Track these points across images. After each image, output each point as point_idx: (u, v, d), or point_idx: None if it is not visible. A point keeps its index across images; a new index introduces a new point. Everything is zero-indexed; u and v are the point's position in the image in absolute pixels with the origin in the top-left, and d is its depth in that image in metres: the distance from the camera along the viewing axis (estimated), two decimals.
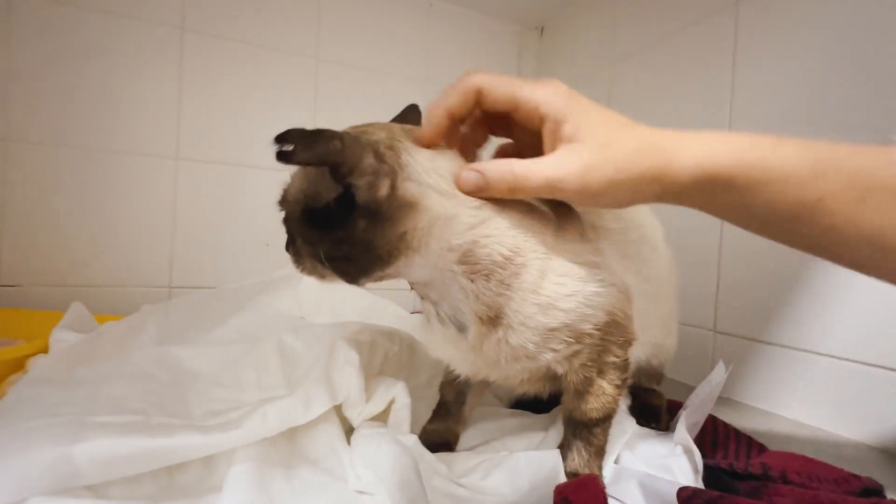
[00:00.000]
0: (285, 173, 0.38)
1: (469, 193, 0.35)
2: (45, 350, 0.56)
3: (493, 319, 0.37)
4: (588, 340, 0.38)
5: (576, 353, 0.39)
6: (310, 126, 0.31)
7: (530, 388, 0.46)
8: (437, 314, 0.40)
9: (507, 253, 0.36)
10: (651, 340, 0.51)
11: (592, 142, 0.32)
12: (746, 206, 0.31)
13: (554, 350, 0.38)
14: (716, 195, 0.32)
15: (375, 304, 0.81)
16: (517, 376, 0.43)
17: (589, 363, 0.40)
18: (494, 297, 0.36)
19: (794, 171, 0.29)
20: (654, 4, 0.90)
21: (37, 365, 0.49)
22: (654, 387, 0.59)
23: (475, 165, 0.35)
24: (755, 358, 0.68)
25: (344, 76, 1.05)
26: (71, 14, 0.83)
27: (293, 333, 0.54)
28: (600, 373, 0.40)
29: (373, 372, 0.53)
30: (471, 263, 0.36)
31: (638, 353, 0.48)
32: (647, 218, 0.53)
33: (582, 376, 0.40)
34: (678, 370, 0.75)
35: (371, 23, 1.08)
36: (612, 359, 0.40)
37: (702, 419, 0.47)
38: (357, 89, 1.06)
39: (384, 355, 0.55)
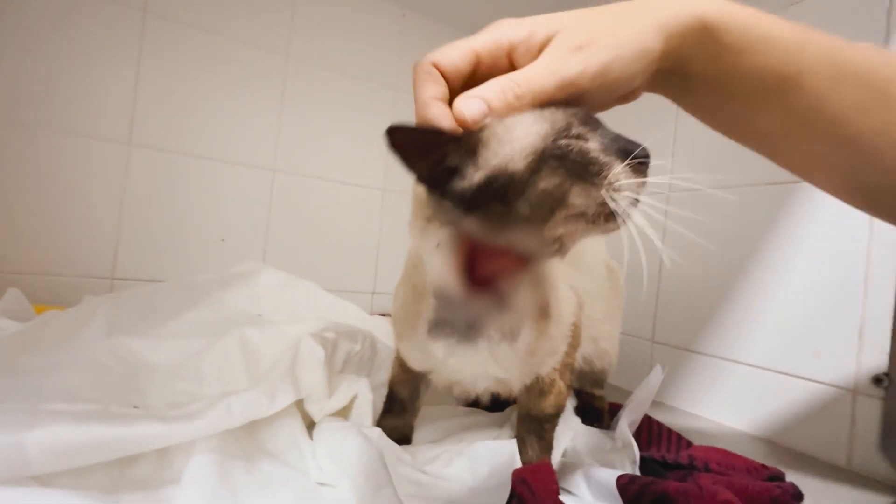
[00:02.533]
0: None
1: (475, 123, 0.28)
2: None
3: (543, 314, 0.37)
4: (569, 340, 0.42)
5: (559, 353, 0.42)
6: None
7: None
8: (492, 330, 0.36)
9: None
10: (591, 334, 0.54)
11: (579, 27, 0.29)
12: (733, 71, 0.30)
13: (561, 347, 0.40)
14: (708, 47, 0.30)
15: (336, 304, 0.81)
16: (515, 381, 0.42)
17: (559, 365, 0.43)
18: (548, 287, 0.37)
19: (781, 37, 0.29)
20: None
21: None
22: (597, 392, 0.63)
23: (468, 93, 0.29)
24: (687, 366, 0.75)
25: (314, 76, 1.04)
26: None
27: (255, 328, 0.53)
28: (561, 374, 0.44)
29: (335, 369, 0.53)
30: None
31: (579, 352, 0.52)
32: None
33: (550, 378, 0.43)
34: (620, 377, 0.81)
35: (345, 26, 1.08)
36: (570, 360, 0.44)
37: (639, 417, 0.52)
38: (326, 90, 1.05)
39: (347, 353, 0.56)
